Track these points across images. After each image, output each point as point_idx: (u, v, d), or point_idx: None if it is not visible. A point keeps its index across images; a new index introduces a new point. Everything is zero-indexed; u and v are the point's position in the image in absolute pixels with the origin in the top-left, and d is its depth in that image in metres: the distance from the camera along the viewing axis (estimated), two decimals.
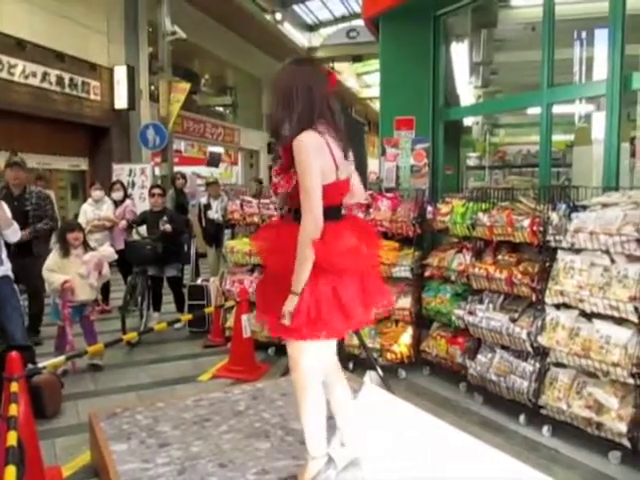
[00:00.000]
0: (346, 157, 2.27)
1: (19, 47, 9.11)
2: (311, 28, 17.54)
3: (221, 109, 18.67)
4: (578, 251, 3.38)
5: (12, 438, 2.14)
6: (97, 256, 4.70)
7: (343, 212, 2.36)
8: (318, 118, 2.17)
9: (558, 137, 7.39)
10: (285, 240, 2.19)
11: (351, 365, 4.40)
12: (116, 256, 5.22)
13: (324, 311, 2.13)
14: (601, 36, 4.77)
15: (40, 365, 3.21)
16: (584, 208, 3.45)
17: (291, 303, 2.11)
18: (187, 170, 15.73)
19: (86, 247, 4.75)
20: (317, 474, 2.35)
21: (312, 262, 2.08)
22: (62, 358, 3.52)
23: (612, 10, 3.95)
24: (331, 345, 2.41)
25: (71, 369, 4.51)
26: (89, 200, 6.91)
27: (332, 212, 2.21)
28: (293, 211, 2.24)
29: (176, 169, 12.64)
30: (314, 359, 2.28)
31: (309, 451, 2.38)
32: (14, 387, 2.51)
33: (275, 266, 2.32)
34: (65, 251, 4.62)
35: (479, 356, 4.00)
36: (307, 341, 2.20)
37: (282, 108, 2.20)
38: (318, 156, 2.11)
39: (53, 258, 4.66)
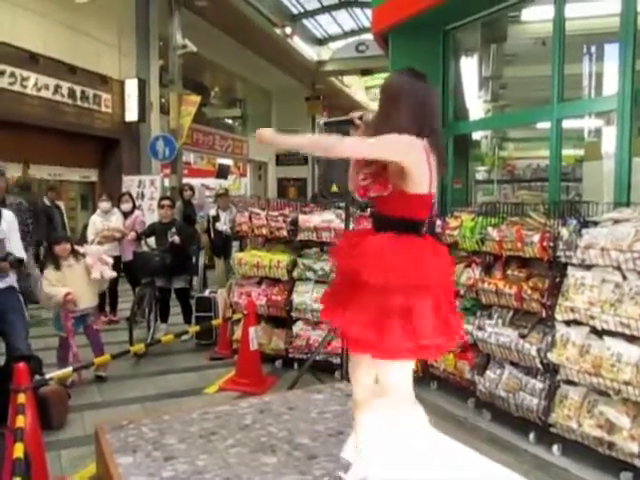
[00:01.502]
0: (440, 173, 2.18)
1: (32, 60, 9.23)
2: (320, 42, 17.65)
3: (230, 121, 18.79)
4: (589, 267, 3.35)
5: (19, 450, 2.13)
6: (95, 256, 4.76)
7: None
8: (423, 131, 2.07)
9: (568, 152, 7.36)
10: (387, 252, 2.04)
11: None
12: (102, 248, 5.22)
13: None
14: (611, 51, 4.76)
15: (47, 376, 3.20)
16: (595, 224, 3.43)
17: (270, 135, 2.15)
18: (196, 182, 15.86)
19: (76, 255, 4.74)
20: None
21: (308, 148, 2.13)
22: (69, 369, 3.51)
23: (623, 25, 3.96)
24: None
25: (77, 380, 4.50)
26: (98, 211, 6.96)
27: (417, 226, 2.13)
28: (379, 217, 2.17)
29: (185, 181, 12.74)
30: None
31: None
32: (21, 398, 2.51)
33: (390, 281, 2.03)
34: (57, 264, 4.62)
35: (488, 372, 3.96)
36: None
37: (389, 116, 2.11)
38: (413, 152, 2.02)
39: (50, 272, 4.65)
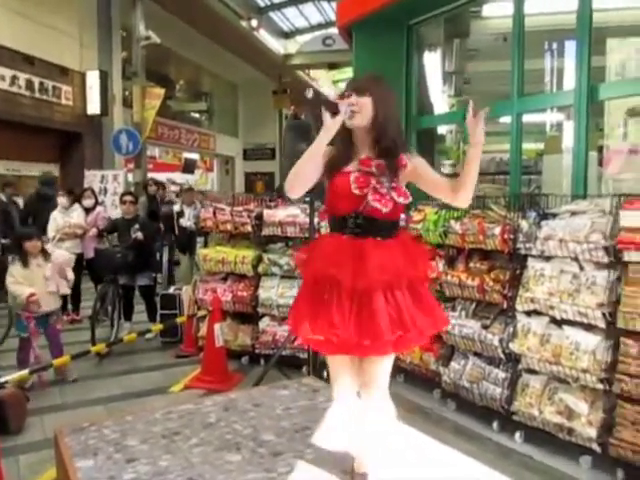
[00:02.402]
0: None
1: None
2: (287, 35, 17.52)
3: (197, 115, 18.55)
4: (548, 258, 3.42)
5: None
6: (55, 267, 4.59)
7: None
8: None
9: (530, 145, 7.51)
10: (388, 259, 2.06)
11: (325, 373, 4.37)
12: (71, 256, 5.10)
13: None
14: (571, 47, 4.85)
15: (2, 380, 3.10)
16: (553, 216, 3.50)
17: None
18: (162, 177, 15.62)
19: (45, 255, 4.61)
20: None
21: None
22: (26, 372, 3.41)
23: (579, 22, 4.03)
24: None
25: (38, 383, 4.38)
26: (58, 207, 6.77)
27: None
28: (379, 221, 2.12)
29: (150, 175, 12.51)
30: None
31: None
32: None
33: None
34: (25, 261, 4.48)
35: (452, 363, 4.01)
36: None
37: (398, 123, 2.24)
38: None
39: (15, 269, 4.50)
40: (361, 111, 2.09)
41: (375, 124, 2.12)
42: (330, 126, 2.03)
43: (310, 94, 2.25)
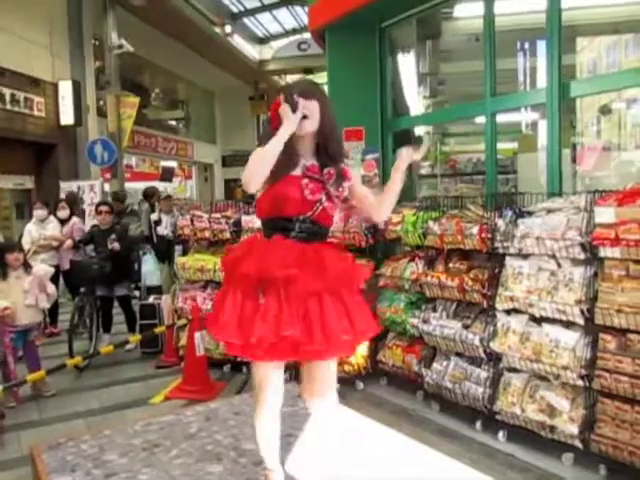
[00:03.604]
0: None
1: None
2: (262, 41, 17.50)
3: (173, 123, 18.41)
4: (525, 256, 3.44)
5: None
6: (35, 280, 4.50)
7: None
8: None
9: (506, 145, 7.56)
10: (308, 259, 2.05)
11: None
12: (52, 270, 5.00)
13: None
14: (542, 46, 4.90)
15: None
16: (530, 214, 3.52)
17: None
18: (139, 185, 15.45)
19: (27, 268, 4.54)
20: None
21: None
22: None
23: (549, 21, 4.07)
24: None
25: (14, 398, 4.27)
26: (33, 219, 6.66)
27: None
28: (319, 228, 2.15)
29: (127, 185, 12.37)
30: None
31: None
32: None
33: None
34: (4, 273, 4.41)
35: (435, 364, 4.01)
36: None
37: (337, 130, 2.24)
38: None
39: None
40: (311, 116, 2.07)
41: (322, 130, 2.12)
42: (291, 122, 2.02)
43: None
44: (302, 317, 2.01)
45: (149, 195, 8.48)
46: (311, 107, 2.06)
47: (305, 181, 2.09)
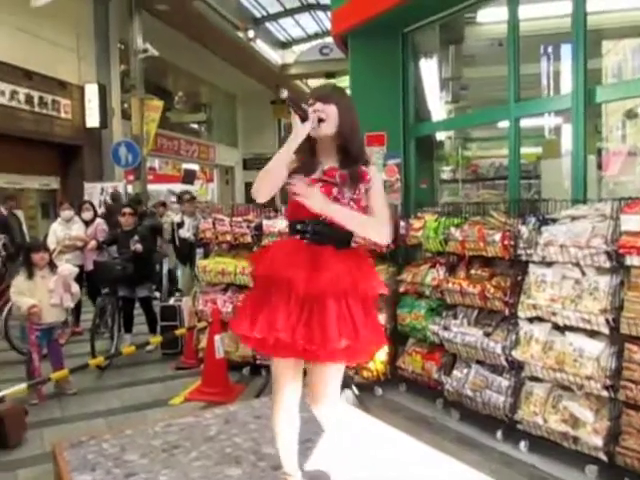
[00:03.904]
0: None
1: None
2: (284, 45, 17.62)
3: (195, 126, 18.60)
4: (549, 264, 3.39)
5: None
6: (60, 280, 4.58)
7: None
8: None
9: (529, 150, 7.49)
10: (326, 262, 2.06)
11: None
12: (77, 270, 5.08)
13: None
14: (567, 50, 4.85)
15: (1, 394, 3.07)
16: (554, 221, 3.47)
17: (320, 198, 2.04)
18: (162, 188, 15.64)
19: (52, 267, 4.63)
20: None
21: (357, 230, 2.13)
22: (23, 386, 3.38)
23: (574, 25, 4.02)
24: None
25: (37, 396, 4.34)
26: (58, 219, 6.78)
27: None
28: (339, 233, 2.11)
29: (150, 187, 12.54)
30: None
31: None
32: None
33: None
34: (30, 272, 4.49)
35: (455, 372, 3.97)
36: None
37: (360, 133, 2.23)
38: None
39: (20, 280, 4.52)
40: (328, 119, 2.10)
41: (341, 133, 2.14)
42: (299, 132, 2.06)
43: (284, 94, 2.27)
44: (305, 319, 2.03)
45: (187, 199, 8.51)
46: (328, 110, 2.10)
47: (319, 184, 2.12)
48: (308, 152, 2.15)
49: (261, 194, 2.10)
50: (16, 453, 3.53)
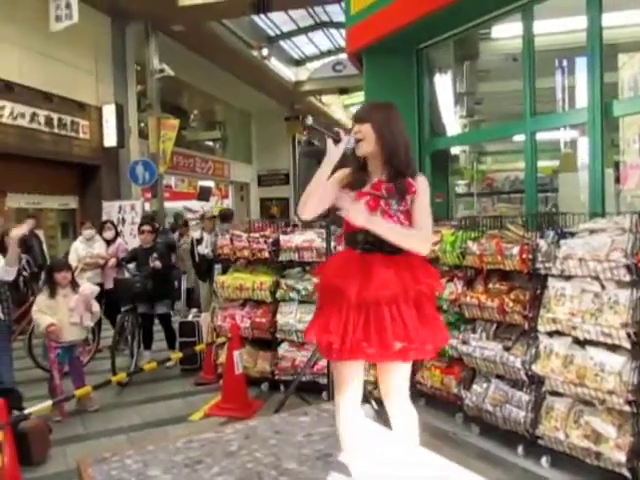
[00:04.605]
0: None
1: (7, 89, 9.16)
2: (298, 62, 17.82)
3: (211, 143, 18.83)
4: (568, 278, 3.38)
5: None
6: (81, 299, 4.65)
7: None
8: None
9: (545, 163, 7.48)
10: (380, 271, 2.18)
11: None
12: (98, 289, 5.15)
13: None
14: (582, 64, 4.87)
15: (26, 412, 3.13)
16: (572, 235, 3.47)
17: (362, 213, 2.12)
18: (178, 205, 15.80)
19: (74, 286, 4.71)
20: None
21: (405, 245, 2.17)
22: (49, 403, 3.44)
23: (590, 40, 4.05)
24: None
25: (59, 414, 4.39)
26: (80, 238, 6.90)
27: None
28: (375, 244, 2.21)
29: (167, 204, 12.68)
30: None
31: None
32: None
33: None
34: (52, 291, 4.57)
35: (474, 386, 3.95)
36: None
37: (404, 145, 2.27)
38: None
39: (42, 299, 4.61)
40: (365, 138, 2.23)
41: (382, 147, 2.24)
42: (333, 153, 2.20)
43: (310, 121, 2.38)
44: (363, 325, 2.15)
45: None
46: (363, 130, 2.24)
47: (367, 197, 2.24)
48: (359, 168, 2.30)
49: (305, 214, 2.29)
50: (41, 470, 3.57)
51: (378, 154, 2.25)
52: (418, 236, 2.22)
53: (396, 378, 2.35)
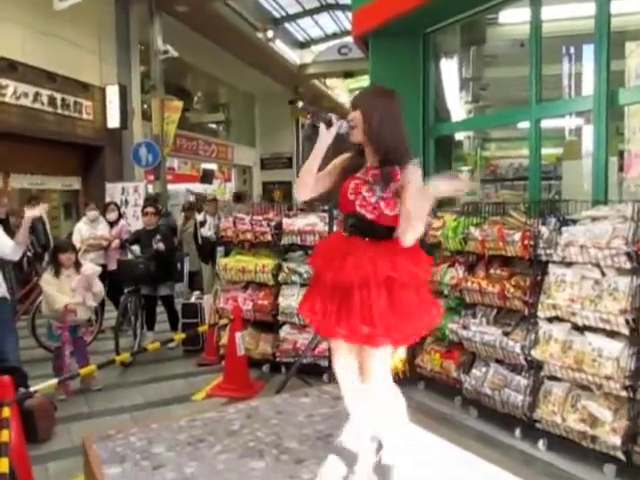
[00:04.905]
0: None
1: (10, 68, 9.13)
2: (303, 45, 17.68)
3: (214, 126, 18.76)
4: (569, 264, 3.41)
5: (4, 465, 2.12)
6: (83, 279, 4.69)
7: None
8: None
9: (549, 150, 7.46)
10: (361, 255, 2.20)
11: None
12: (99, 269, 5.18)
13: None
14: (589, 52, 4.84)
15: (32, 389, 3.18)
16: (574, 222, 3.49)
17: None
18: (181, 187, 15.80)
19: (77, 267, 4.74)
20: None
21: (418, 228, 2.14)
22: (54, 381, 3.49)
23: (598, 27, 4.02)
24: None
25: (64, 392, 4.46)
26: (84, 219, 6.92)
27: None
28: (374, 225, 2.24)
29: (169, 187, 12.67)
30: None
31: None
32: (5, 412, 2.49)
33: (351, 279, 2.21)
34: (57, 271, 4.62)
35: (474, 370, 4.00)
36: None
37: (394, 133, 2.25)
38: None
39: (48, 277, 4.65)
40: (356, 125, 2.26)
41: (368, 135, 2.26)
42: (323, 137, 2.25)
43: (300, 105, 2.44)
44: (337, 305, 2.22)
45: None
46: (355, 116, 2.27)
47: (355, 182, 2.29)
48: (358, 153, 2.35)
49: (300, 194, 2.42)
50: (46, 447, 3.63)
51: (367, 140, 2.28)
52: (400, 228, 2.19)
53: (366, 361, 2.34)
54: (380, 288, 2.17)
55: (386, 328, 2.17)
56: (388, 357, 2.40)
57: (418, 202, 2.10)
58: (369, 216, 2.23)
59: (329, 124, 2.22)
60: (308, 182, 2.32)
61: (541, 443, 3.46)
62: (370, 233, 2.25)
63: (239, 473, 2.68)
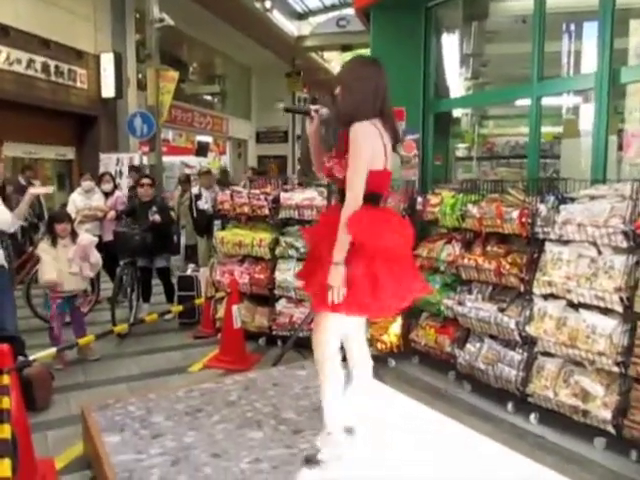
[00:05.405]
0: (394, 150, 2.49)
1: (3, 33, 8.94)
2: (301, 16, 17.34)
3: (210, 98, 18.53)
4: (566, 242, 3.43)
5: (5, 431, 2.14)
6: (79, 249, 4.67)
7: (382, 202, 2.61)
8: (377, 112, 2.40)
9: (546, 129, 7.44)
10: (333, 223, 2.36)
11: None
12: (96, 239, 5.16)
13: (358, 288, 2.29)
14: (591, 29, 4.79)
15: (30, 358, 3.19)
16: (572, 200, 3.50)
17: (336, 273, 2.26)
18: (175, 160, 15.67)
19: (74, 237, 4.73)
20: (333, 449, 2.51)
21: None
22: (53, 350, 3.51)
23: (602, 4, 3.97)
24: (353, 321, 2.53)
25: (61, 364, 4.49)
26: (78, 190, 6.87)
27: (375, 198, 2.43)
28: (341, 193, 2.43)
29: (164, 158, 12.54)
30: (335, 333, 2.48)
31: (327, 426, 2.52)
32: (5, 379, 2.50)
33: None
34: (53, 241, 4.61)
35: (468, 345, 4.06)
36: (333, 314, 2.37)
37: (349, 98, 2.42)
38: (370, 143, 2.33)
39: (44, 246, 4.64)
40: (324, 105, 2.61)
41: (337, 109, 2.49)
42: (310, 126, 2.60)
43: (282, 105, 2.72)
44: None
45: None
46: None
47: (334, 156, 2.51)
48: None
49: (319, 172, 2.67)
50: (44, 415, 3.66)
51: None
52: (346, 208, 2.32)
53: (315, 323, 2.56)
54: (329, 252, 2.35)
55: (312, 288, 2.48)
56: (328, 324, 2.46)
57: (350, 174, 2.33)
58: (331, 180, 2.62)
59: (308, 115, 2.56)
60: (317, 161, 2.62)
61: (533, 417, 3.53)
62: (342, 197, 2.40)
63: (237, 443, 2.73)
